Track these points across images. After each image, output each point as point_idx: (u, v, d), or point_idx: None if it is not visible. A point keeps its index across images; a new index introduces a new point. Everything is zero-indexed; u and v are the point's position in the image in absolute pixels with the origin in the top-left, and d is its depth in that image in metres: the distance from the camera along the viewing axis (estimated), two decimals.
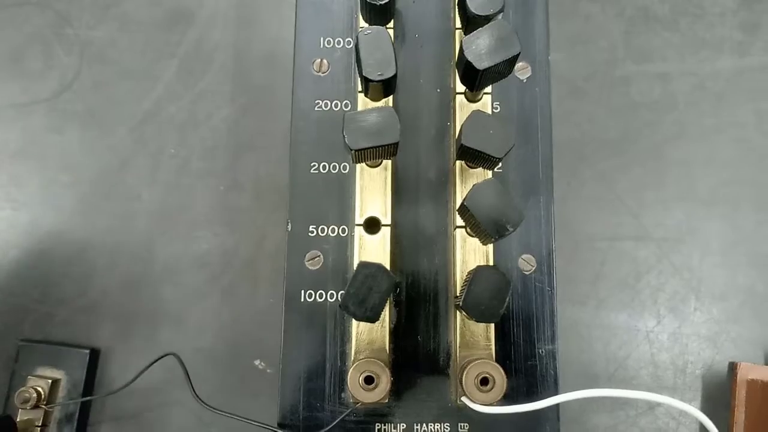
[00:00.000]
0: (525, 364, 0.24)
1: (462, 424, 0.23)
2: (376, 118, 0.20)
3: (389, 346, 0.23)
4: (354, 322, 0.23)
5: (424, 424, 0.23)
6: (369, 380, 0.21)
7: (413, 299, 0.24)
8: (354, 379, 0.21)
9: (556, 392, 0.23)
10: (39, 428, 0.30)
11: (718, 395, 0.33)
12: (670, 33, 0.36)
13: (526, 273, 0.25)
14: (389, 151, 0.21)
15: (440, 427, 0.23)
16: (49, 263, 0.34)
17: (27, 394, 0.30)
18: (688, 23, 0.37)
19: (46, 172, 0.35)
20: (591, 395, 0.19)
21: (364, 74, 0.21)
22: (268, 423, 0.24)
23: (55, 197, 0.34)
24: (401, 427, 0.23)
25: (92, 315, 0.33)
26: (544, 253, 0.25)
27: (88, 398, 0.31)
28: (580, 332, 0.33)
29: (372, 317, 0.19)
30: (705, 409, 0.33)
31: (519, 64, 0.26)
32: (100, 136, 0.35)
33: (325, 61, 0.26)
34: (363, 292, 0.19)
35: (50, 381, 0.31)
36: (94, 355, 0.32)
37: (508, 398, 0.23)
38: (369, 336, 0.23)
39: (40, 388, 0.30)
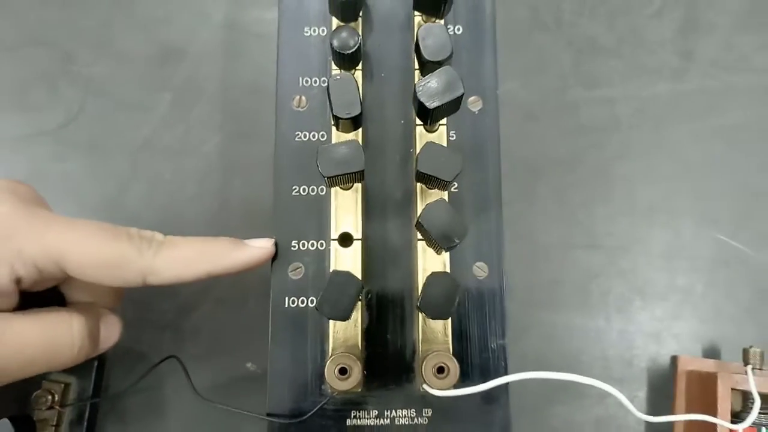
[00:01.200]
0: (480, 357, 0.27)
1: (426, 410, 0.27)
2: (345, 150, 0.24)
3: (362, 343, 0.27)
4: (330, 323, 0.27)
5: (393, 411, 0.27)
6: (343, 371, 0.25)
7: (382, 303, 0.28)
8: (330, 370, 0.25)
9: (505, 371, 0.27)
10: (53, 427, 0.33)
11: (661, 385, 0.37)
12: (615, 61, 0.41)
13: (480, 278, 0.28)
14: (357, 177, 0.25)
15: (407, 413, 0.27)
16: None
17: (43, 398, 0.33)
18: (630, 51, 0.41)
19: (52, 198, 0.38)
20: (526, 377, 0.23)
21: (334, 113, 0.25)
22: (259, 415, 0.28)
23: None
24: (373, 414, 0.27)
25: None
26: (495, 261, 0.28)
27: (97, 399, 0.34)
28: (538, 332, 0.37)
29: (343, 317, 0.23)
30: (650, 398, 0.36)
31: (471, 98, 0.30)
32: (101, 163, 0.39)
33: (303, 97, 0.30)
34: (335, 296, 0.23)
35: (63, 385, 0.34)
36: (101, 361, 0.35)
37: (465, 385, 0.26)
38: (344, 335, 0.27)
39: (54, 391, 0.34)
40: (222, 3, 0.41)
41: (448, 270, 0.28)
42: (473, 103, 0.30)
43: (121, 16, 0.40)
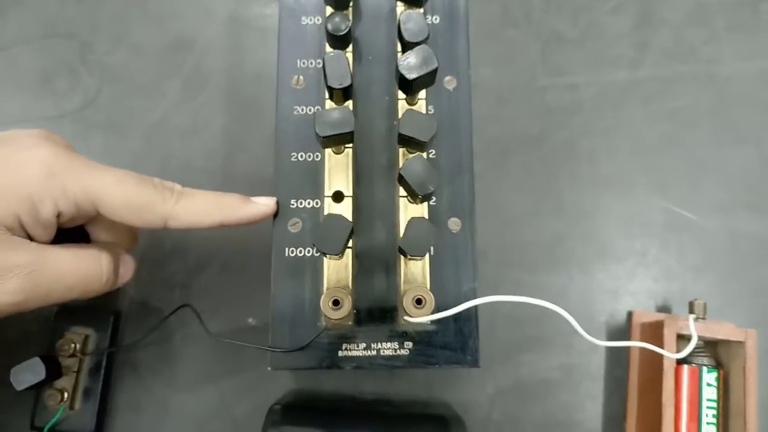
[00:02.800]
0: (453, 297, 0.32)
1: (407, 343, 0.31)
2: (338, 114, 0.28)
3: (352, 285, 0.31)
4: (325, 269, 0.31)
5: (379, 343, 0.31)
6: (336, 302, 0.29)
7: (370, 251, 0.32)
8: (325, 302, 0.29)
9: (476, 317, 0.32)
10: (75, 373, 0.37)
11: (619, 336, 0.41)
12: (578, 51, 0.45)
13: (454, 232, 0.33)
14: (347, 138, 0.29)
15: (391, 345, 0.31)
16: None
17: (66, 345, 0.37)
18: (592, 43, 0.46)
19: None
20: (488, 300, 0.28)
21: (328, 84, 0.29)
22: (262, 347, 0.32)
23: None
24: (362, 346, 0.31)
25: None
26: (467, 217, 0.33)
27: (113, 349, 0.38)
28: (509, 289, 0.41)
29: (336, 251, 0.27)
30: (609, 347, 0.41)
31: (447, 78, 0.34)
32: (118, 142, 0.43)
33: (301, 77, 0.34)
34: (329, 234, 0.27)
35: (83, 336, 0.38)
36: (117, 316, 0.40)
37: (440, 323, 0.31)
38: (337, 277, 0.31)
39: (75, 341, 0.37)
40: (226, 0, 0.46)
41: None
42: (448, 83, 0.34)
43: (135, 11, 0.45)
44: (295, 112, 0.34)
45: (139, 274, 0.40)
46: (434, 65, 0.29)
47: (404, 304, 0.29)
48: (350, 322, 0.31)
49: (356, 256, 0.32)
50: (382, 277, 0.32)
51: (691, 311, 0.38)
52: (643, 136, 0.44)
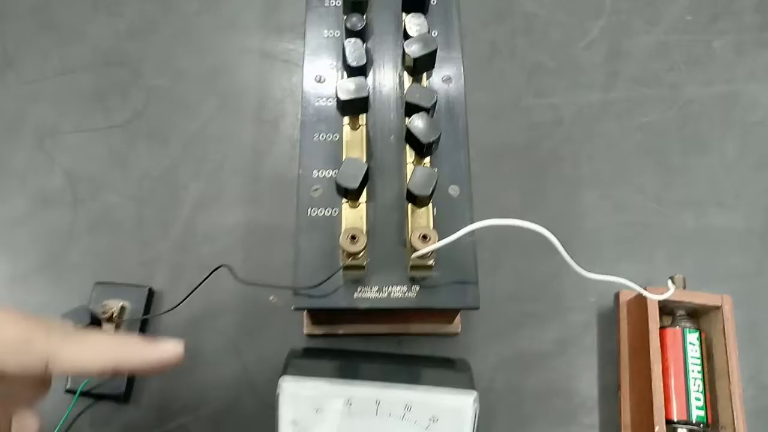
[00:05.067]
0: (455, 251, 0.36)
1: (414, 287, 0.35)
2: (355, 83, 0.35)
3: (367, 237, 0.36)
4: (343, 221, 0.36)
5: (390, 286, 0.35)
6: (353, 237, 0.34)
7: (382, 207, 0.37)
8: (344, 239, 0.33)
9: (476, 264, 0.36)
10: None
11: (608, 314, 0.45)
12: (558, 78, 0.53)
13: (454, 197, 0.38)
14: (362, 105, 0.35)
15: (400, 288, 0.35)
16: (119, 230, 0.46)
17: (105, 309, 0.41)
18: (569, 71, 0.53)
19: (121, 173, 0.48)
20: (483, 225, 0.32)
21: (348, 62, 0.36)
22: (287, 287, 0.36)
23: (130, 189, 0.48)
24: (374, 289, 0.35)
25: (150, 267, 0.45)
26: (465, 184, 0.38)
27: (147, 316, 0.42)
28: (506, 271, 0.45)
29: (354, 185, 0.32)
30: (600, 324, 0.44)
31: (445, 75, 0.41)
32: (161, 148, 0.49)
33: (322, 76, 0.41)
34: (350, 173, 0.33)
35: (120, 305, 0.42)
36: (151, 293, 0.44)
37: (442, 270, 0.35)
38: (353, 226, 0.36)
39: (113, 310, 0.41)
40: (258, 38, 0.54)
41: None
42: (446, 80, 0.41)
43: (180, 46, 0.53)
44: (317, 103, 0.40)
45: (172, 260, 0.45)
46: (434, 47, 0.35)
47: (411, 240, 0.34)
48: (365, 263, 0.35)
49: (369, 216, 0.37)
50: (392, 230, 0.37)
51: (672, 282, 0.42)
52: (619, 144, 0.50)
